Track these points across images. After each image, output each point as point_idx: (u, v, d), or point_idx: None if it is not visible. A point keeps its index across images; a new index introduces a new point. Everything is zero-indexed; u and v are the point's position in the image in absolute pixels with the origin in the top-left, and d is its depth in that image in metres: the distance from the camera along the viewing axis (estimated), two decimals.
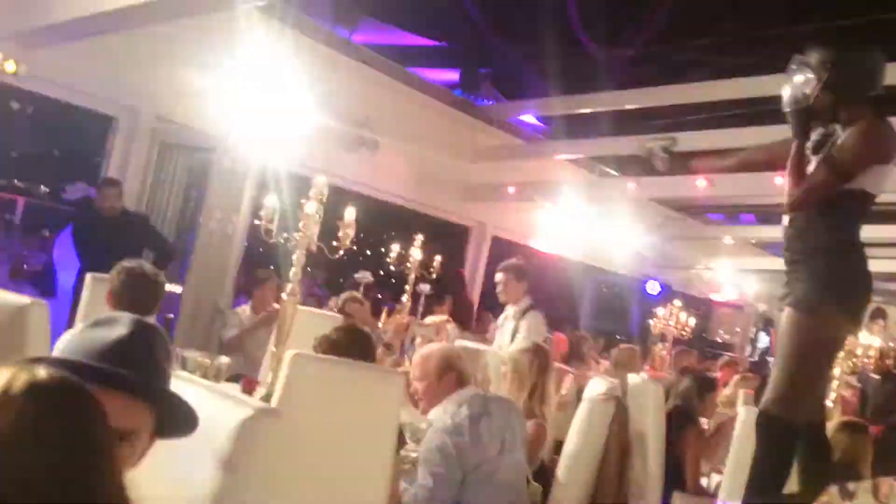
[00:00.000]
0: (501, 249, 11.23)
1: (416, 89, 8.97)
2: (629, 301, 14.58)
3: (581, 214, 10.20)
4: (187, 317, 5.79)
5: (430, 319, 6.19)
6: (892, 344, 12.71)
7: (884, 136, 3.18)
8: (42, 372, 1.17)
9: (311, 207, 3.99)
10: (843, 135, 3.20)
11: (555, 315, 13.46)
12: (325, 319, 4.64)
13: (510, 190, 9.78)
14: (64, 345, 1.64)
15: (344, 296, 6.21)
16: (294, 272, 4.06)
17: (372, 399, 2.84)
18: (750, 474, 3.24)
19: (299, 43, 7.01)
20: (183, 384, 2.01)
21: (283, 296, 4.02)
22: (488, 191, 9.98)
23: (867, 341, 6.29)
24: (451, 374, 3.39)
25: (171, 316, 5.92)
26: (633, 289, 14.16)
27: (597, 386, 4.28)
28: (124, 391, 1.51)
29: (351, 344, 3.20)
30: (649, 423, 4.41)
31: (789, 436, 3.16)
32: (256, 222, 4.09)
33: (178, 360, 3.73)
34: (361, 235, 13.87)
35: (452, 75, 10.24)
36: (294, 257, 4.05)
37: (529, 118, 10.70)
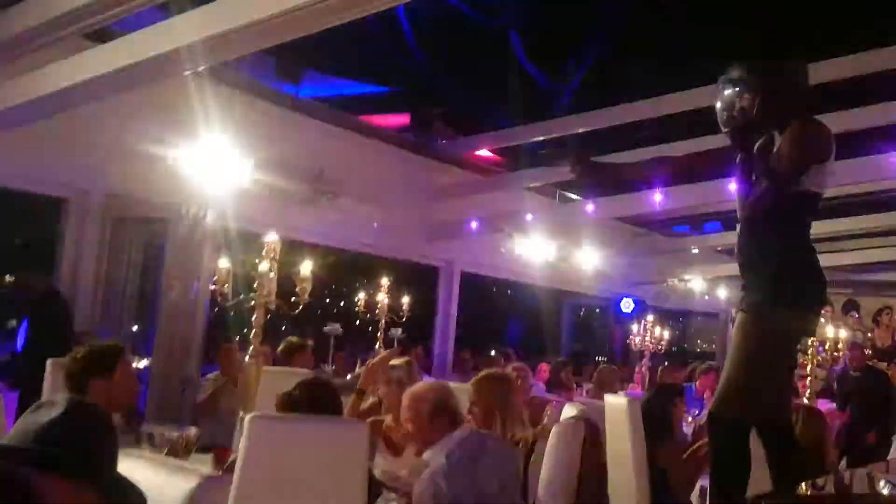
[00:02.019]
0: (471, 285, 11.27)
1: (368, 136, 9.03)
2: (605, 322, 14.65)
3: (548, 241, 10.27)
4: (157, 390, 5.72)
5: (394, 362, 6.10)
6: (869, 334, 12.74)
7: (815, 136, 3.23)
8: None
9: (265, 267, 4.00)
10: (778, 141, 3.26)
11: (535, 344, 13.51)
12: (294, 377, 4.59)
13: (473, 225, 9.83)
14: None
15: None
16: (255, 333, 4.05)
17: (337, 452, 2.81)
18: (710, 478, 3.27)
19: (247, 104, 7.05)
20: (134, 460, 2.00)
21: (246, 358, 4.01)
22: (452, 228, 10.02)
23: (837, 335, 6.33)
24: (443, 416, 3.33)
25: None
26: (607, 309, 14.22)
27: (569, 411, 4.27)
28: (61, 471, 1.50)
29: (313, 399, 3.17)
30: (629, 442, 4.40)
31: (739, 435, 3.17)
32: (212, 287, 4.08)
33: (146, 437, 3.67)
34: (333, 286, 13.83)
35: (403, 119, 10.34)
36: (254, 318, 4.05)
37: (484, 152, 10.82)
